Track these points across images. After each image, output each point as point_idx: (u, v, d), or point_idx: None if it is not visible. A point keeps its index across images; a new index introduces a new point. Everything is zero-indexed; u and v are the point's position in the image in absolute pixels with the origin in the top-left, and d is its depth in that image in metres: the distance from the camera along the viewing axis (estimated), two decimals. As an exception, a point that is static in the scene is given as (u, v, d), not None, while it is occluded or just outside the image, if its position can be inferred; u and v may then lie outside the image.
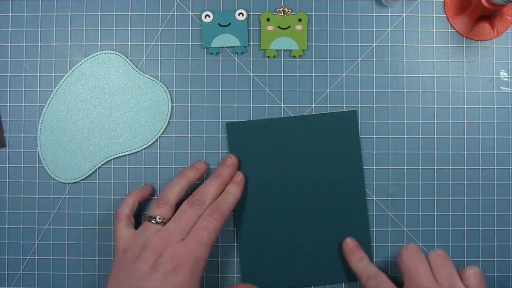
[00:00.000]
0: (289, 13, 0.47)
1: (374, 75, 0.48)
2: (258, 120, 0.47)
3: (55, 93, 0.47)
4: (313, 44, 0.48)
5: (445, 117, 0.47)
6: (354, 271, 0.44)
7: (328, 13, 0.48)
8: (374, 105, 0.47)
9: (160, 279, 0.38)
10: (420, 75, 0.48)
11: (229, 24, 0.47)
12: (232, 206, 0.43)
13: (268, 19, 0.47)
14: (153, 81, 0.47)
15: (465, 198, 0.47)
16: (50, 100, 0.47)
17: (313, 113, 0.47)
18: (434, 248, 0.47)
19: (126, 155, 0.47)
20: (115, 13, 0.48)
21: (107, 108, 0.47)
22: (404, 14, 0.48)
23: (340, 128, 0.47)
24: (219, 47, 0.48)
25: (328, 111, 0.47)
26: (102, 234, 0.47)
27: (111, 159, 0.47)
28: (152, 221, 0.41)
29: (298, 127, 0.47)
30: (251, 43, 0.48)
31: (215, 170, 0.45)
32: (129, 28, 0.48)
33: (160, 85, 0.47)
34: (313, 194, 0.46)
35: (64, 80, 0.47)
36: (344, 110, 0.47)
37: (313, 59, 0.48)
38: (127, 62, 0.47)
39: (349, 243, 0.45)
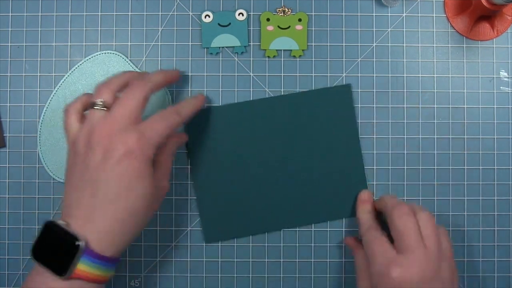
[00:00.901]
0: (289, 13, 0.47)
1: (374, 75, 0.48)
2: (245, 102, 0.47)
3: (55, 93, 0.47)
4: (313, 44, 0.48)
5: (445, 117, 0.47)
6: (358, 220, 0.45)
7: (328, 13, 0.48)
8: (374, 105, 0.47)
9: (114, 164, 0.36)
10: (420, 75, 0.48)
11: (229, 24, 0.47)
12: (190, 112, 0.41)
13: (268, 19, 0.47)
14: None
15: (465, 198, 0.47)
16: (50, 100, 0.47)
17: (304, 90, 0.47)
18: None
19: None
20: (115, 13, 0.48)
21: (107, 108, 0.47)
22: (404, 14, 0.48)
23: (334, 104, 0.47)
24: (219, 47, 0.48)
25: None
26: (102, 234, 0.47)
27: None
28: (95, 107, 0.38)
29: (289, 105, 0.47)
30: (251, 43, 0.48)
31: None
32: (129, 28, 0.48)
33: None
34: (308, 164, 0.47)
35: (64, 80, 0.47)
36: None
37: (313, 59, 0.48)
38: (127, 62, 0.47)
39: (365, 194, 0.46)
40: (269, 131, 0.47)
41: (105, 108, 0.38)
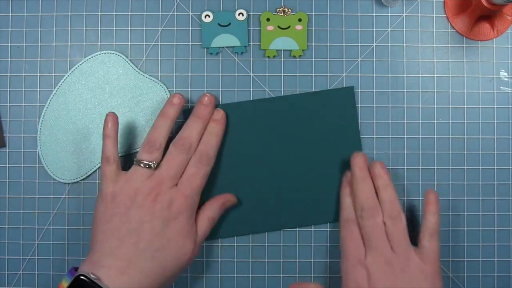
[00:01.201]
0: (289, 13, 0.47)
1: (374, 75, 0.48)
2: (247, 101, 0.47)
3: (55, 93, 0.47)
4: (313, 44, 0.48)
5: (445, 117, 0.47)
6: (340, 204, 0.45)
7: (328, 13, 0.48)
8: (374, 105, 0.47)
9: (161, 224, 0.39)
10: (420, 75, 0.48)
11: (229, 24, 0.47)
12: (217, 147, 0.44)
13: (268, 19, 0.47)
14: (153, 81, 0.47)
15: (465, 198, 0.47)
16: (50, 100, 0.47)
17: (306, 91, 0.47)
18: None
19: (126, 155, 0.47)
20: (115, 13, 0.48)
21: (107, 108, 0.47)
22: (404, 14, 0.48)
23: (336, 106, 0.47)
24: (219, 47, 0.48)
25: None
26: (102, 234, 0.47)
27: (111, 159, 0.47)
28: (141, 165, 0.41)
29: (291, 106, 0.47)
30: (251, 43, 0.48)
31: (194, 109, 0.44)
32: (129, 28, 0.48)
33: (160, 85, 0.47)
34: (307, 164, 0.47)
35: (64, 80, 0.47)
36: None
37: (313, 59, 0.48)
38: (127, 62, 0.47)
39: (349, 176, 0.45)
40: (270, 132, 0.47)
41: (151, 167, 0.41)
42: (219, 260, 0.47)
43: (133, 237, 0.38)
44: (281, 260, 0.47)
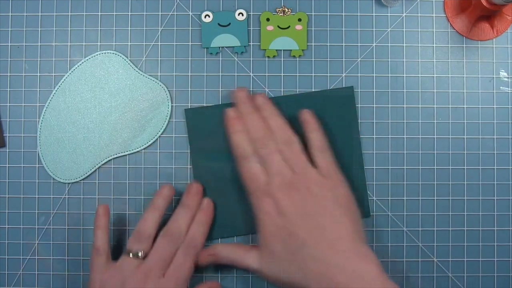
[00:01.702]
0: (289, 13, 0.47)
1: (374, 75, 0.48)
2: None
3: (55, 93, 0.47)
4: (313, 44, 0.48)
5: (445, 117, 0.47)
6: (232, 142, 0.44)
7: (328, 13, 0.48)
8: (374, 105, 0.47)
9: None
10: (420, 75, 0.48)
11: (229, 24, 0.47)
12: (205, 236, 0.44)
13: (268, 19, 0.47)
14: (153, 81, 0.47)
15: (465, 198, 0.47)
16: (50, 100, 0.47)
17: (307, 91, 0.47)
18: (434, 251, 0.47)
19: (126, 155, 0.47)
20: (115, 13, 0.48)
21: (107, 108, 0.47)
22: (404, 14, 0.48)
23: (336, 105, 0.47)
24: (219, 47, 0.48)
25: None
26: (102, 234, 0.47)
27: (111, 159, 0.47)
28: (130, 255, 0.42)
29: (291, 106, 0.47)
30: (251, 43, 0.48)
31: (182, 199, 0.45)
32: (129, 28, 0.48)
33: (160, 85, 0.47)
34: None
35: (64, 80, 0.47)
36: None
37: (313, 59, 0.48)
38: (127, 62, 0.47)
39: (232, 111, 0.45)
40: None
41: (139, 257, 0.42)
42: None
43: None
44: (281, 260, 0.47)
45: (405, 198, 0.47)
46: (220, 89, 0.47)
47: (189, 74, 0.48)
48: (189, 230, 0.44)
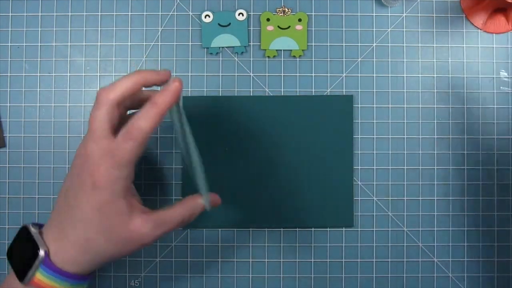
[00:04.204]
0: (289, 13, 0.47)
1: (374, 75, 0.48)
2: (247, 96, 0.47)
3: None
4: (313, 44, 0.48)
5: (445, 117, 0.47)
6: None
7: (328, 13, 0.48)
8: (374, 105, 0.47)
9: (83, 194, 0.35)
10: (420, 75, 0.48)
11: (229, 24, 0.47)
12: (155, 120, 0.35)
13: (268, 19, 0.47)
14: None
15: (465, 198, 0.47)
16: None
17: (306, 95, 0.47)
18: (434, 251, 0.47)
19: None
20: (115, 13, 0.48)
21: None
22: (404, 14, 0.48)
23: (334, 113, 0.47)
24: (219, 47, 0.48)
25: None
26: (102, 234, 0.47)
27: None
28: None
29: (289, 106, 0.47)
30: (251, 43, 0.48)
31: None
32: (129, 28, 0.48)
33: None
34: (298, 166, 0.47)
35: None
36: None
37: (313, 59, 0.48)
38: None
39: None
40: (266, 129, 0.47)
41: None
42: (219, 260, 0.47)
43: (64, 202, 0.36)
44: (281, 260, 0.47)
45: (405, 198, 0.47)
46: (220, 89, 0.47)
47: (189, 74, 0.48)
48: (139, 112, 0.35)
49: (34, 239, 0.35)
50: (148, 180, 0.47)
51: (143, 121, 0.34)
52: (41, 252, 0.35)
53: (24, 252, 0.36)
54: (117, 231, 0.35)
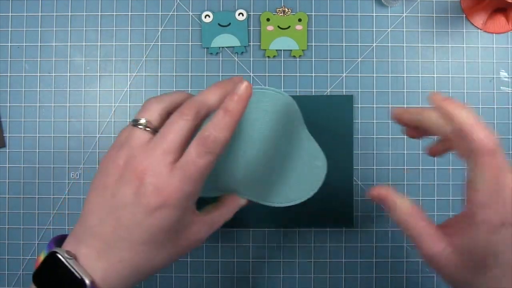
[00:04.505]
0: (289, 13, 0.47)
1: (374, 75, 0.48)
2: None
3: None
4: (313, 44, 0.48)
5: (445, 117, 0.47)
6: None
7: (328, 13, 0.48)
8: (374, 105, 0.47)
9: (144, 213, 0.31)
10: (420, 75, 0.48)
11: (229, 24, 0.47)
12: (231, 129, 0.32)
13: (268, 19, 0.47)
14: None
15: (465, 198, 0.47)
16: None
17: (307, 94, 0.47)
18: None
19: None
20: (115, 13, 0.48)
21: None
22: (404, 14, 0.48)
23: (334, 112, 0.47)
24: (219, 47, 0.48)
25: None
26: (102, 234, 0.47)
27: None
28: (139, 126, 0.33)
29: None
30: (251, 43, 0.48)
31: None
32: (129, 28, 0.48)
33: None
34: None
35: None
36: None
37: (313, 59, 0.48)
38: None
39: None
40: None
41: (148, 129, 0.33)
42: (219, 260, 0.47)
43: (114, 221, 0.31)
44: (281, 260, 0.47)
45: (405, 198, 0.47)
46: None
47: (189, 74, 0.48)
48: (212, 119, 0.32)
49: (72, 269, 0.31)
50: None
51: (219, 131, 0.31)
52: (87, 282, 0.30)
53: (62, 283, 0.31)
54: (180, 245, 0.33)
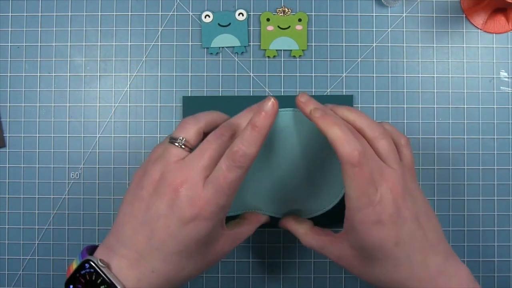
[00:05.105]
0: (289, 13, 0.47)
1: (374, 75, 0.48)
2: (246, 96, 0.47)
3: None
4: (313, 44, 0.48)
5: (445, 117, 0.47)
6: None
7: (328, 13, 0.48)
8: (374, 105, 0.47)
9: (178, 225, 0.33)
10: (420, 75, 0.48)
11: (229, 24, 0.47)
12: (258, 144, 0.34)
13: (268, 19, 0.47)
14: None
15: (465, 198, 0.47)
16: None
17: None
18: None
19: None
20: (115, 13, 0.48)
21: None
22: (404, 14, 0.48)
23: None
24: (219, 47, 0.48)
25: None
26: (102, 234, 0.47)
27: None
28: (175, 143, 0.35)
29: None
30: (251, 43, 0.48)
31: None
32: (129, 28, 0.48)
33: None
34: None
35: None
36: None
37: (313, 59, 0.48)
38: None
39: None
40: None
41: (184, 147, 0.35)
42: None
43: (148, 232, 0.33)
44: (281, 260, 0.47)
45: (405, 198, 0.47)
46: (220, 89, 0.47)
47: (189, 74, 0.48)
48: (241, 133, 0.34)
49: (105, 277, 0.32)
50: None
51: (247, 146, 0.33)
52: None
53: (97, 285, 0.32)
54: (207, 257, 0.36)
